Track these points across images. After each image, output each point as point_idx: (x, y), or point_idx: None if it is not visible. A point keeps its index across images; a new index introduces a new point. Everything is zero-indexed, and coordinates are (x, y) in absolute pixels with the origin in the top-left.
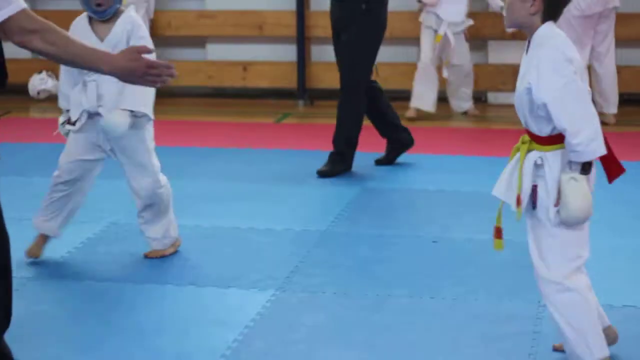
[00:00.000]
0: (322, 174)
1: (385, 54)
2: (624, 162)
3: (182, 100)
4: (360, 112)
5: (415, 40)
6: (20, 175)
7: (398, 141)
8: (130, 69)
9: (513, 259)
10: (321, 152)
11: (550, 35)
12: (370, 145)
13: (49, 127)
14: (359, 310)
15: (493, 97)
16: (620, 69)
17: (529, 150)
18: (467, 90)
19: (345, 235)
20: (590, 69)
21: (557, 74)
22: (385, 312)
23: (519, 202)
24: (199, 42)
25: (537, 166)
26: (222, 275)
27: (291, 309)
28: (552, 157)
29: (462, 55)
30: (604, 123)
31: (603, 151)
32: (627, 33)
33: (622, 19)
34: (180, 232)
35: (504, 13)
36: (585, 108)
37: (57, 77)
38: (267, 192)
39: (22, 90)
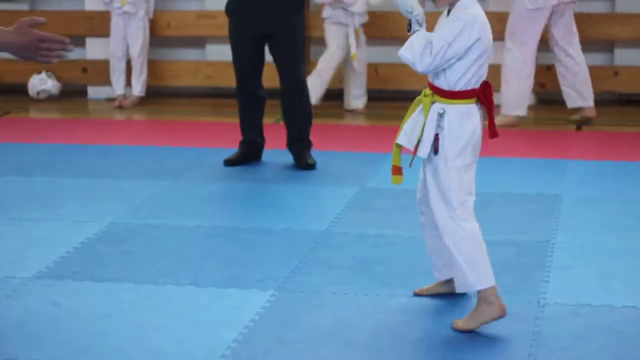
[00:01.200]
0: (311, 167)
1: (384, 54)
2: (623, 162)
3: (182, 100)
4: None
5: None
6: (20, 175)
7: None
8: (21, 44)
9: (513, 258)
10: (321, 152)
11: (469, 6)
12: (369, 146)
13: (49, 128)
14: (359, 310)
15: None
16: (620, 69)
17: (432, 103)
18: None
19: (345, 235)
20: (556, 66)
21: (459, 26)
22: (385, 312)
23: (415, 150)
24: (199, 42)
25: (440, 117)
26: (222, 275)
27: (291, 308)
28: (452, 110)
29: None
30: (587, 119)
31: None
32: (627, 33)
33: (622, 19)
34: (180, 232)
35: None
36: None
37: (56, 77)
38: (267, 192)
39: (21, 90)
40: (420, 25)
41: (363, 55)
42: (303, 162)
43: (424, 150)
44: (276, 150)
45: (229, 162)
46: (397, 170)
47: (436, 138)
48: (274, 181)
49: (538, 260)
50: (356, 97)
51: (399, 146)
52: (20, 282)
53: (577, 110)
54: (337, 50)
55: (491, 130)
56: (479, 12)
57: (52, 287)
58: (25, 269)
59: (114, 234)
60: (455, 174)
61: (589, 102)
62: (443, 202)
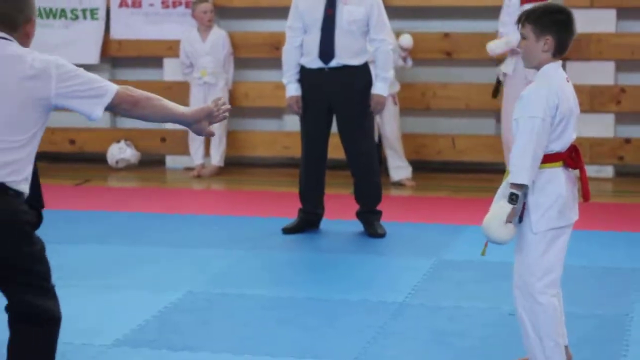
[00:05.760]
0: (381, 236)
1: (462, 126)
2: None
3: (259, 170)
4: None
5: (491, 112)
6: (99, 243)
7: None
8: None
9: (592, 331)
10: (397, 224)
11: (548, 75)
12: (446, 217)
13: (127, 196)
14: None
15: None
16: None
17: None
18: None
19: (422, 307)
20: None
21: (529, 105)
22: None
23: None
24: (276, 113)
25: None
26: (299, 345)
27: None
28: (541, 178)
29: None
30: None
31: (523, 181)
32: None
33: None
34: (257, 302)
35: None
36: (526, 146)
37: (135, 146)
38: (342, 262)
39: (101, 159)
40: (518, 195)
41: (395, 126)
42: (373, 230)
43: (514, 219)
44: (353, 221)
45: (287, 230)
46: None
47: (522, 207)
48: (350, 252)
49: (617, 334)
50: (397, 169)
51: None
52: (99, 349)
53: None
54: None
55: (584, 193)
56: (559, 78)
57: (129, 355)
58: (103, 336)
59: (191, 303)
60: (541, 244)
61: None
62: (526, 271)
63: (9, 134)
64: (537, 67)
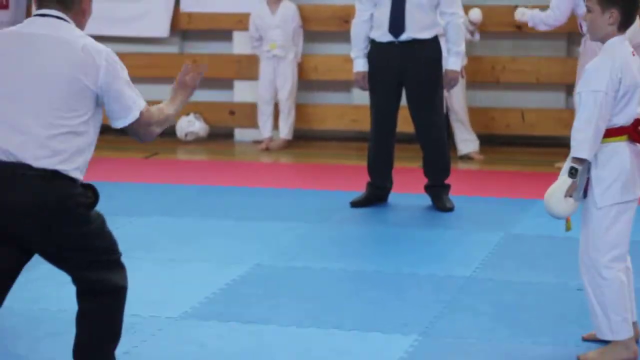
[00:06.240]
0: (450, 210)
1: (532, 99)
2: None
3: (327, 143)
4: None
5: (561, 86)
6: (167, 216)
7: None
8: (187, 96)
9: None
10: (466, 198)
11: (613, 48)
12: (515, 192)
13: (196, 169)
14: (503, 357)
15: None
16: None
17: None
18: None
19: (490, 282)
20: None
21: (592, 79)
22: None
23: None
24: (345, 86)
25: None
26: (365, 318)
27: (434, 354)
28: (599, 150)
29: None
30: None
31: (583, 155)
32: None
33: None
34: (324, 275)
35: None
36: (589, 120)
37: (204, 119)
38: (410, 236)
39: (169, 132)
40: (578, 169)
41: (462, 99)
42: (442, 204)
43: (577, 194)
44: (420, 195)
45: (355, 204)
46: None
47: (587, 182)
48: (417, 225)
49: None
50: (465, 142)
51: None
52: (166, 321)
53: None
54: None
55: None
56: (625, 52)
57: (197, 328)
58: (170, 309)
59: (259, 276)
60: (606, 219)
61: None
62: (591, 246)
63: (58, 117)
64: (603, 40)
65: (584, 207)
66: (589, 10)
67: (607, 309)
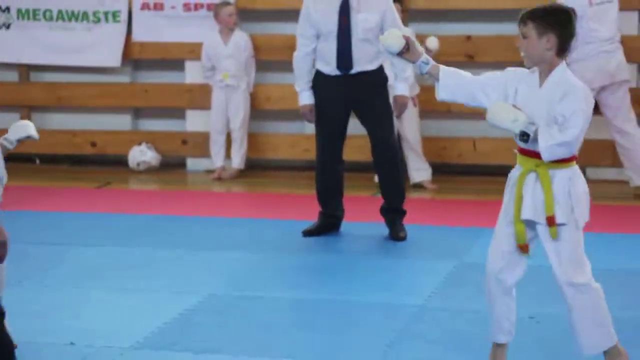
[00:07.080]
0: (402, 239)
1: (485, 128)
2: None
3: (280, 173)
4: None
5: None
6: (119, 246)
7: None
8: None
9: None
10: (418, 227)
11: (572, 79)
12: (467, 220)
13: (148, 199)
14: None
15: (593, 173)
16: None
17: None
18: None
19: (442, 310)
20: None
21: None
22: None
23: (552, 221)
24: (297, 115)
25: (570, 181)
26: (318, 347)
27: None
28: (576, 173)
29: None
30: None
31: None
32: None
33: None
34: (277, 304)
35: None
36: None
37: (156, 149)
38: (363, 265)
39: (122, 161)
40: (533, 124)
41: (416, 128)
42: (395, 233)
43: (563, 216)
44: (371, 224)
45: (308, 233)
46: (524, 248)
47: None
48: (370, 254)
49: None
50: (418, 170)
51: (522, 223)
52: (118, 351)
53: None
54: None
55: None
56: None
57: (150, 358)
58: (123, 339)
59: (212, 305)
60: (581, 236)
61: None
62: (576, 265)
63: None
64: (539, 65)
65: (559, 236)
66: (524, 37)
67: (603, 317)
